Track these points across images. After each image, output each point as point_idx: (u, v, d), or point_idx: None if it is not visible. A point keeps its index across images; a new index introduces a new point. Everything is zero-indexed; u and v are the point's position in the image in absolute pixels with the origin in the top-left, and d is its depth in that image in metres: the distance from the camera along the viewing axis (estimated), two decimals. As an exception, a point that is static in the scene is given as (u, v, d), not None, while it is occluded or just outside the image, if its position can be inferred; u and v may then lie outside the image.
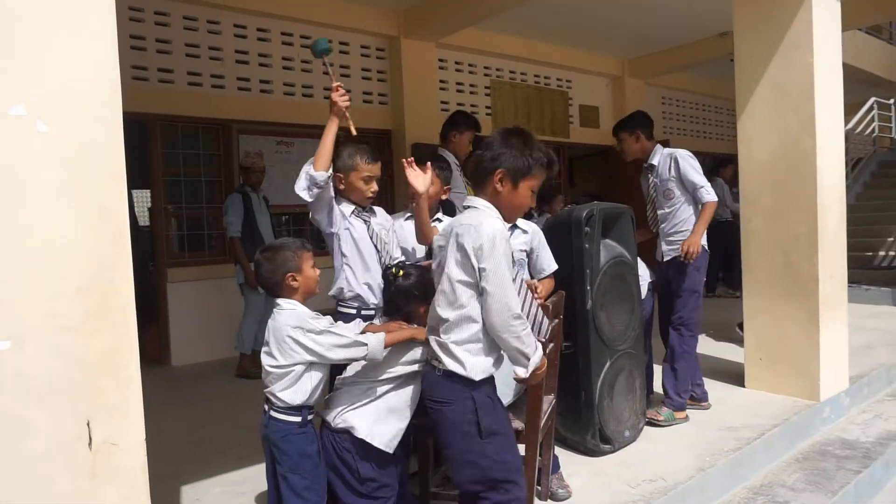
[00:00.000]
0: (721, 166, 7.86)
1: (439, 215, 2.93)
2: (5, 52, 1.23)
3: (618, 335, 3.16)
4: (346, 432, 2.09)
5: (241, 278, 4.97)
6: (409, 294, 2.21)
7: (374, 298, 2.57)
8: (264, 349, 2.07)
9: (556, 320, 2.52)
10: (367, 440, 2.08)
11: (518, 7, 5.96)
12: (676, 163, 3.57)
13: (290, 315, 2.02)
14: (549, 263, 2.88)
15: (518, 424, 2.35)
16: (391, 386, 2.15)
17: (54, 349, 1.29)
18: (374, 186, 2.61)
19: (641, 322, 3.37)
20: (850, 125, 10.19)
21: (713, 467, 2.90)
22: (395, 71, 6.80)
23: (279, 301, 2.07)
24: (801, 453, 3.39)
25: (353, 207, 2.60)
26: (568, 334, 2.97)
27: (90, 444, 1.34)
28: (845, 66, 4.07)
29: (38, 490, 1.29)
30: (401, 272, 2.25)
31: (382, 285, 2.46)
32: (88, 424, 1.34)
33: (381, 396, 2.13)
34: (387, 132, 6.88)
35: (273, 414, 2.04)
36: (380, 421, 2.11)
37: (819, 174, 3.67)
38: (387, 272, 2.32)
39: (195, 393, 4.59)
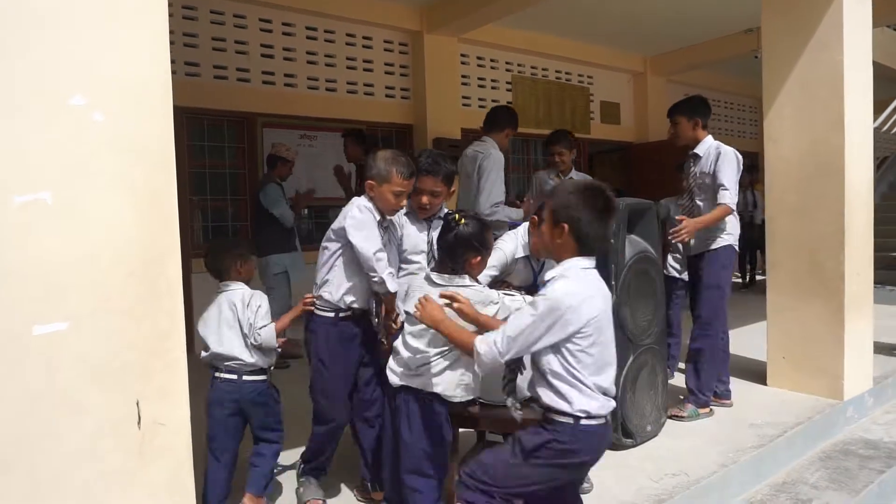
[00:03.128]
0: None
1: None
2: (68, 46, 1.28)
3: (641, 330, 3.17)
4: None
5: (279, 268, 4.87)
6: (468, 243, 2.18)
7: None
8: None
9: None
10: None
11: (540, 3, 5.96)
12: (718, 156, 3.50)
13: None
14: None
15: (536, 415, 2.36)
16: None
17: (107, 331, 1.34)
18: (403, 201, 2.49)
19: (665, 317, 3.37)
20: (877, 123, 10.03)
21: (735, 463, 2.90)
22: (417, 66, 6.83)
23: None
24: (824, 452, 3.39)
25: (379, 218, 2.46)
26: (592, 329, 2.99)
27: (139, 423, 1.40)
28: (873, 64, 4.02)
29: (91, 467, 1.34)
30: (462, 220, 2.21)
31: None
32: (138, 404, 1.39)
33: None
34: (408, 126, 6.92)
35: (246, 378, 2.39)
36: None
37: (847, 172, 3.65)
38: (448, 217, 2.28)
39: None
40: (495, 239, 2.85)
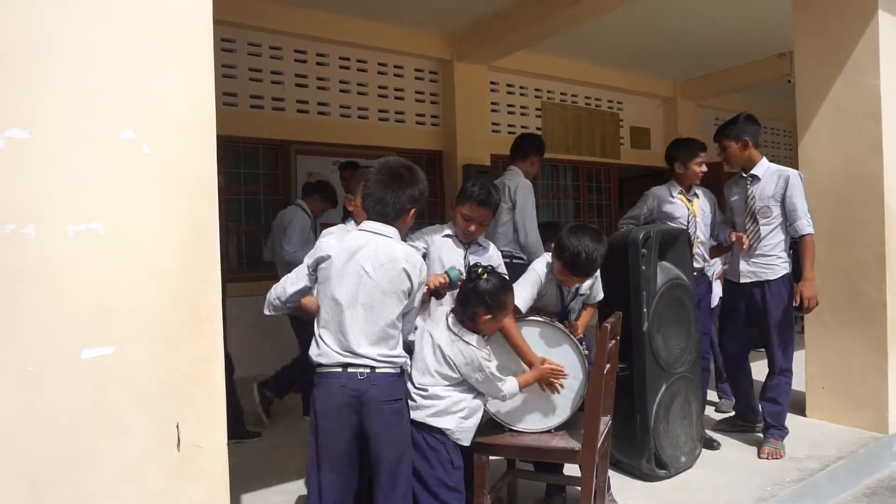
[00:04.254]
0: None
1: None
2: (121, 83, 1.36)
3: (674, 358, 3.13)
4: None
5: None
6: (482, 298, 2.25)
7: None
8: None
9: (613, 341, 2.53)
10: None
11: (568, 31, 6.02)
12: (787, 181, 3.37)
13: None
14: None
15: (574, 445, 2.35)
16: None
17: (151, 355, 1.39)
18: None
19: (698, 345, 3.32)
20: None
21: (774, 497, 2.82)
22: (447, 93, 6.94)
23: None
24: (869, 488, 3.26)
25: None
26: (623, 356, 2.96)
27: (178, 445, 1.43)
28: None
29: (133, 489, 1.38)
30: (485, 275, 2.29)
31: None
32: (178, 427, 1.43)
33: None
34: (438, 153, 7.00)
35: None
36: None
37: (886, 196, 3.57)
38: (473, 268, 2.36)
39: (254, 404, 4.70)
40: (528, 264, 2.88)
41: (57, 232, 1.28)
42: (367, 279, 2.03)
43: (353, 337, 2.02)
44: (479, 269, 2.31)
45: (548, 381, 2.42)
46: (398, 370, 2.10)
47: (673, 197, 3.69)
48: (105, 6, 1.35)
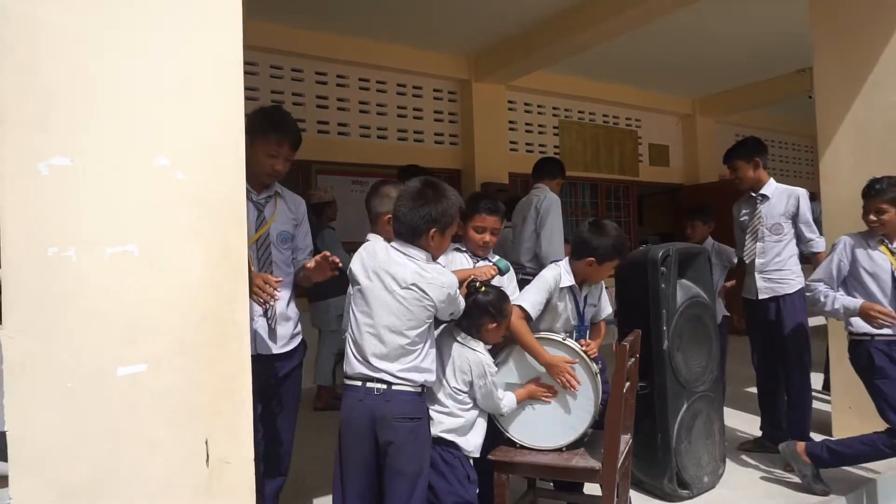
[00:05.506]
0: None
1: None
2: (157, 113, 1.42)
3: (695, 377, 3.11)
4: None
5: (338, 311, 4.83)
6: (485, 309, 2.35)
7: None
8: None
9: (632, 359, 2.53)
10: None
11: (585, 50, 6.08)
12: (798, 200, 3.53)
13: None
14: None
15: (595, 464, 2.35)
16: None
17: (182, 373, 1.44)
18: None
19: (719, 364, 3.30)
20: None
21: (800, 519, 2.78)
22: (465, 112, 7.02)
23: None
24: (898, 510, 3.20)
25: None
26: (643, 374, 2.95)
27: (207, 461, 1.47)
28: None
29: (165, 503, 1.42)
30: (483, 288, 2.38)
31: None
32: (206, 443, 1.47)
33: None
34: (457, 171, 7.07)
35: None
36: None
37: (909, 215, 3.53)
38: (472, 284, 2.42)
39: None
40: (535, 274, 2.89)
41: (95, 254, 1.34)
42: (386, 296, 2.09)
43: (371, 352, 2.09)
44: (477, 284, 2.40)
45: (539, 395, 2.49)
46: (418, 388, 2.12)
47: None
48: (141, 45, 1.42)
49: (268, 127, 2.46)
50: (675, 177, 9.19)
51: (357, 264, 2.22)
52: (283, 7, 5.37)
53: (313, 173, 6.25)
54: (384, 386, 2.07)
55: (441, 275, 2.15)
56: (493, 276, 2.52)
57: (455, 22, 5.86)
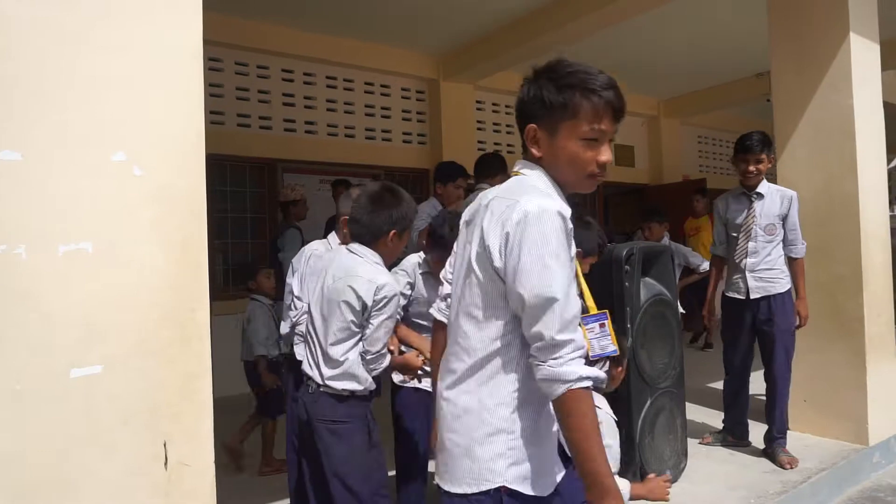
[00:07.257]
0: None
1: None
2: (113, 107, 1.38)
3: (658, 373, 3.17)
4: None
5: None
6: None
7: None
8: None
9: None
10: None
11: (552, 50, 6.13)
12: (791, 201, 3.54)
13: None
14: None
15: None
16: None
17: (140, 373, 1.40)
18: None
19: (682, 361, 3.36)
20: (893, 164, 10.03)
21: (759, 510, 2.85)
22: (433, 112, 7.02)
23: None
24: (850, 499, 3.31)
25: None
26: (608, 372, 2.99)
27: (166, 464, 1.44)
28: (886, 105, 4.08)
29: (121, 507, 1.38)
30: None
31: None
32: (165, 445, 1.44)
33: None
34: (425, 171, 7.05)
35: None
36: None
37: (862, 214, 3.67)
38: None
39: (236, 425, 4.67)
40: None
41: (47, 252, 1.29)
42: (326, 290, 2.19)
43: (313, 350, 2.21)
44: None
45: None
46: (345, 393, 2.13)
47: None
48: (99, 36, 1.38)
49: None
50: (640, 177, 9.34)
51: (313, 261, 2.49)
52: (247, 2, 5.28)
53: (279, 172, 6.16)
54: (315, 385, 2.21)
55: (384, 280, 2.14)
56: (415, 369, 2.39)
57: (423, 21, 5.85)
